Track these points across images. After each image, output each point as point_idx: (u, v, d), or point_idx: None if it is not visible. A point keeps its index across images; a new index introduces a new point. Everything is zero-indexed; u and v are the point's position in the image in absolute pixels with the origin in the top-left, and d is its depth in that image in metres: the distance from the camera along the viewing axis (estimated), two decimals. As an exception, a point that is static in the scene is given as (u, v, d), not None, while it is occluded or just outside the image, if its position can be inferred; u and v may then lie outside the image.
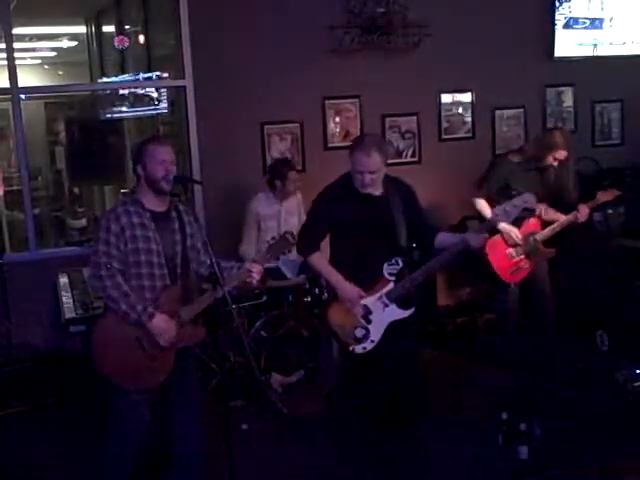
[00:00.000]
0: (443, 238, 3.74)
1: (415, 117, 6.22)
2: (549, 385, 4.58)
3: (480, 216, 4.85)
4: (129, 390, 3.21)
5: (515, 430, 3.87)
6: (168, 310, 3.20)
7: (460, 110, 6.38)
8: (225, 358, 4.68)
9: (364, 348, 3.70)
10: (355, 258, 3.68)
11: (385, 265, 3.67)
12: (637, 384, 4.49)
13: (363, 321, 3.68)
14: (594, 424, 4.11)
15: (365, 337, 3.69)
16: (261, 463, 3.88)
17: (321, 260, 3.77)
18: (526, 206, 3.66)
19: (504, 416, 3.96)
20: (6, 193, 6.95)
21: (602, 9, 6.58)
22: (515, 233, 4.72)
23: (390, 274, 3.67)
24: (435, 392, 4.63)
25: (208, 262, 3.30)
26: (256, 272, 3.30)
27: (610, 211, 5.85)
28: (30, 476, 4.00)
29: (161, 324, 3.15)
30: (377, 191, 3.70)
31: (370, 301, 3.68)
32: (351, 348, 3.72)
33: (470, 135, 6.43)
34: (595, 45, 6.61)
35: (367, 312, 3.69)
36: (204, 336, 3.43)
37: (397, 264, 3.68)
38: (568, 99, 6.71)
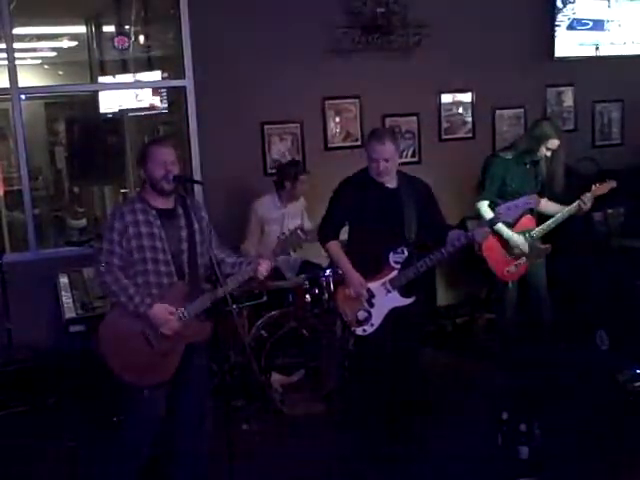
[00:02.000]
0: (450, 234, 3.84)
1: (415, 117, 6.22)
2: (549, 385, 4.58)
3: (480, 217, 4.83)
4: (141, 387, 3.21)
5: (515, 430, 3.87)
6: (174, 306, 3.21)
7: (460, 110, 6.38)
8: (225, 358, 4.68)
9: (364, 330, 3.87)
10: (366, 245, 3.84)
11: (391, 253, 3.83)
12: (637, 384, 4.50)
13: (366, 304, 3.84)
14: (594, 424, 4.10)
15: (367, 320, 3.86)
16: (261, 463, 3.88)
17: (336, 248, 3.94)
18: (529, 207, 3.73)
19: (504, 416, 3.96)
20: (6, 193, 6.94)
21: (606, 10, 6.59)
22: (520, 246, 4.70)
23: (395, 262, 3.83)
24: (435, 392, 4.64)
25: (221, 256, 3.38)
26: (264, 268, 3.32)
27: (610, 211, 5.85)
28: (30, 476, 3.99)
29: (161, 313, 3.17)
30: (391, 184, 3.86)
31: (374, 286, 3.84)
32: (353, 329, 3.90)
33: (470, 135, 6.44)
34: (596, 45, 6.62)
35: (370, 296, 3.84)
36: (211, 332, 3.42)
37: (403, 253, 3.84)
38: (568, 99, 6.71)
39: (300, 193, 5.20)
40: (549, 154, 4.67)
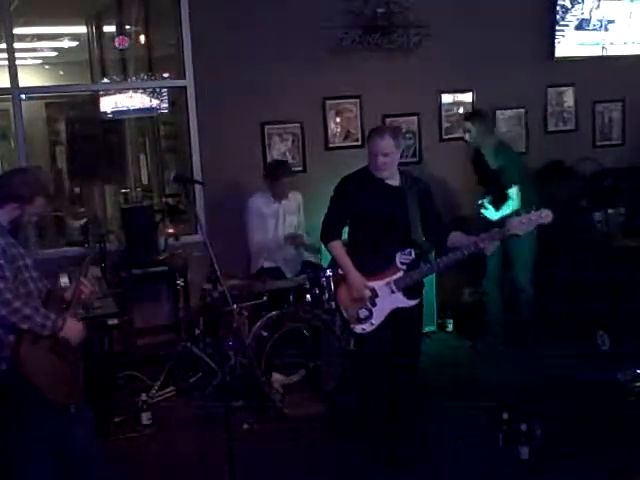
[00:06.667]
0: (456, 237, 3.80)
1: (415, 117, 6.22)
2: (549, 385, 4.58)
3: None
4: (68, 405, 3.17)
5: (515, 430, 3.87)
6: (56, 312, 3.14)
7: (460, 110, 6.38)
8: (226, 358, 4.68)
9: (363, 329, 3.83)
10: (370, 245, 3.79)
11: (398, 254, 3.77)
12: (638, 384, 4.50)
13: (369, 303, 3.79)
14: (594, 424, 4.10)
15: (367, 318, 3.81)
16: (261, 463, 3.88)
17: (338, 248, 3.89)
18: (542, 222, 3.69)
19: (504, 416, 3.96)
20: (6, 193, 6.93)
21: (609, 10, 6.59)
22: None
23: (402, 263, 3.78)
24: (435, 392, 4.64)
25: None
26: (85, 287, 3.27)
27: (610, 211, 5.85)
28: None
29: (74, 326, 3.14)
30: (393, 181, 3.81)
31: (378, 285, 3.79)
32: (352, 326, 3.86)
33: (470, 135, 6.43)
34: (597, 45, 6.62)
35: (374, 295, 3.79)
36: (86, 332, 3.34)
37: (410, 255, 3.79)
38: (569, 99, 6.71)
39: (283, 193, 5.17)
40: (467, 136, 5.22)
